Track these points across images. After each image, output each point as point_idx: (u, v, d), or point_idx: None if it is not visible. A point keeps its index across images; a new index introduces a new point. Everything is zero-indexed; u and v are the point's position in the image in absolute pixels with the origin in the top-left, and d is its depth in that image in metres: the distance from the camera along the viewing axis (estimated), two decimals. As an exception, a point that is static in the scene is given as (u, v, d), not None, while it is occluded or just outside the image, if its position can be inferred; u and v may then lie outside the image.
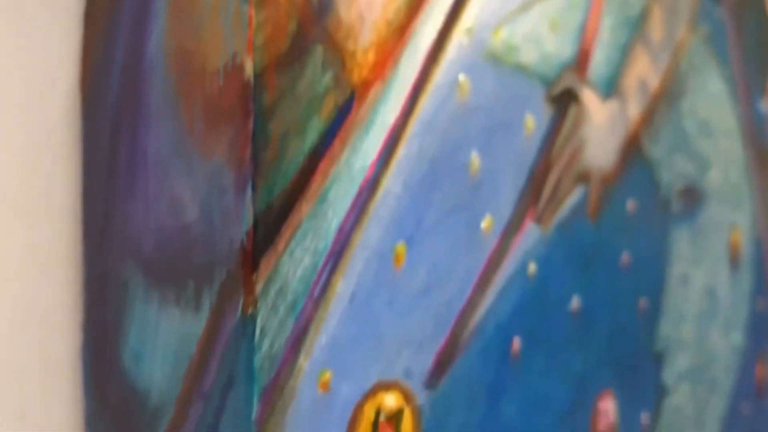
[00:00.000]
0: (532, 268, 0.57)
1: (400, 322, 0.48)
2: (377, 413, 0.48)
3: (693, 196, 0.73)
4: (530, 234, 0.57)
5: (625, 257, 0.65)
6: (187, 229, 0.44)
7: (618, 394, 0.65)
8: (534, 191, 0.57)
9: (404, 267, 0.48)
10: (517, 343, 0.56)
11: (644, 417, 0.68)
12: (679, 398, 0.71)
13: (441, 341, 0.51)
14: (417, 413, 0.50)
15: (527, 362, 0.57)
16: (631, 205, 0.65)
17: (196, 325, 0.44)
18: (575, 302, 0.60)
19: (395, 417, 0.48)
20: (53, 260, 0.49)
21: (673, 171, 0.69)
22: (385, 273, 0.47)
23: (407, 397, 0.49)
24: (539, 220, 0.58)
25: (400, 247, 0.48)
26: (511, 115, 0.54)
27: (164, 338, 0.45)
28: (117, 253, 0.47)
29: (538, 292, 0.57)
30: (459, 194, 0.51)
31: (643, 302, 0.67)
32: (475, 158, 0.52)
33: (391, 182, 0.47)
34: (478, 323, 0.53)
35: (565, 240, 0.60)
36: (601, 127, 0.64)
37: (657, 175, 0.68)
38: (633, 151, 0.65)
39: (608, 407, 0.65)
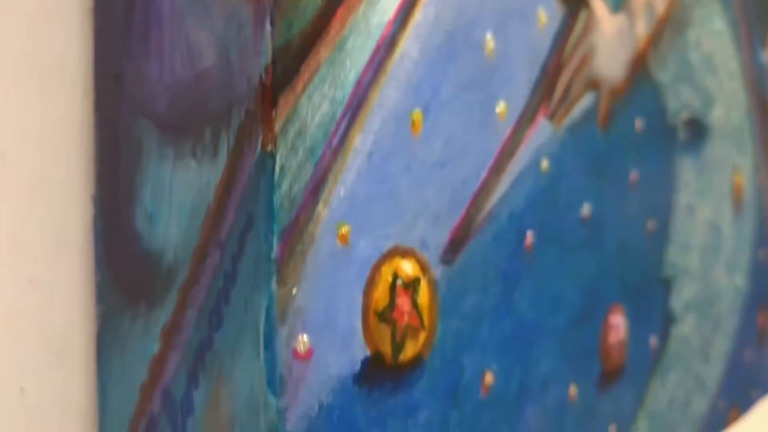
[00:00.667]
0: (545, 164, 0.57)
1: (417, 190, 0.48)
2: (394, 278, 0.47)
3: (697, 128, 0.73)
4: (543, 129, 0.57)
5: (634, 175, 0.65)
6: (203, 75, 0.43)
7: (628, 312, 0.65)
8: (546, 87, 0.57)
9: (421, 135, 0.48)
10: (530, 237, 0.56)
11: (653, 340, 0.67)
12: (685, 328, 0.71)
13: (456, 218, 0.50)
14: (433, 286, 0.49)
15: (540, 258, 0.56)
16: (638, 123, 0.65)
17: (214, 171, 0.43)
18: (586, 209, 0.60)
19: (412, 285, 0.48)
20: (65, 129, 0.49)
21: (679, 100, 0.69)
22: (403, 137, 0.47)
23: (423, 267, 0.48)
24: (551, 117, 0.57)
25: (417, 114, 0.48)
26: (524, 5, 0.54)
27: (180, 193, 0.45)
28: (130, 114, 0.46)
29: (550, 189, 0.57)
30: (474, 72, 0.51)
31: (651, 224, 0.66)
32: (489, 40, 0.52)
33: (408, 45, 0.47)
34: (492, 208, 0.53)
35: (576, 143, 0.59)
36: (610, 39, 0.64)
37: (663, 100, 0.68)
38: (640, 70, 0.66)
39: (618, 322, 0.64)
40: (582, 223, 0.60)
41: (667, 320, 0.69)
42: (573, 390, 0.60)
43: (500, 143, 0.53)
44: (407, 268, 0.47)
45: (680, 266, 0.70)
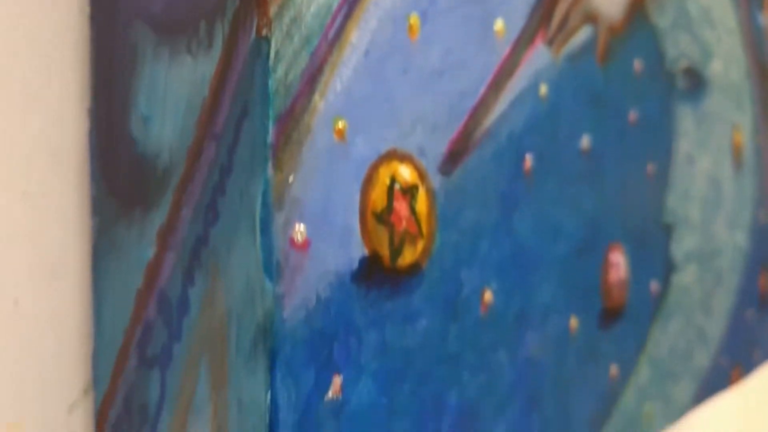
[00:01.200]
0: (544, 90, 0.56)
1: (415, 96, 0.47)
2: (392, 181, 0.46)
3: (696, 78, 0.73)
4: (541, 54, 0.56)
5: (633, 115, 0.64)
6: (200, -31, 0.43)
7: (628, 252, 0.64)
8: (544, 13, 0.56)
9: (419, 40, 0.48)
10: (529, 160, 0.55)
11: (654, 285, 0.67)
12: (686, 278, 0.70)
13: (454, 130, 0.50)
14: (431, 195, 0.49)
15: (539, 184, 0.56)
16: (638, 65, 0.65)
17: (209, 63, 0.43)
18: (585, 141, 0.60)
19: (410, 191, 0.47)
20: (59, 41, 0.48)
21: (677, 47, 0.69)
22: (400, 40, 0.47)
23: (421, 174, 0.48)
24: (550, 43, 0.57)
25: (414, 18, 0.48)
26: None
27: (175, 91, 0.44)
28: (126, 20, 0.46)
29: (549, 116, 0.57)
30: (472, -15, 0.51)
31: (651, 168, 0.66)
32: (486, -46, 0.52)
33: (405, -52, 0.47)
34: (491, 126, 0.53)
35: (575, 74, 0.59)
36: (608, -25, 0.64)
37: (662, 46, 0.68)
38: (639, 11, 0.65)
39: (619, 261, 0.64)
40: (581, 155, 0.60)
41: (668, 267, 0.69)
42: (574, 322, 0.59)
43: (499, 61, 0.53)
44: (405, 173, 0.47)
45: (681, 215, 0.70)
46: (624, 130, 0.64)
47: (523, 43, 0.55)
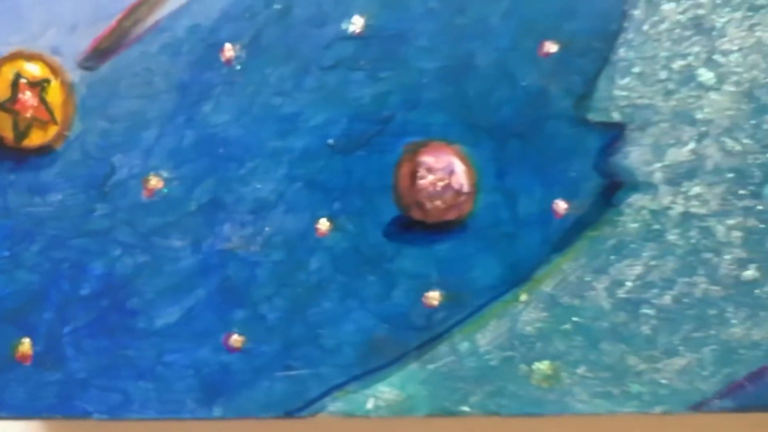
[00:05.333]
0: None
1: (46, 2, 0.55)
2: (17, 76, 0.56)
3: None
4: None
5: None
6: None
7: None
8: None
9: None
10: (230, 50, 0.55)
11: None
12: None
13: (100, 30, 0.55)
14: (68, 87, 0.55)
15: (249, 72, 0.54)
16: None
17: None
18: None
19: (40, 84, 0.55)
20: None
21: None
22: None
23: (54, 70, 0.55)
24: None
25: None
26: None
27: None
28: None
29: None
30: None
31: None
32: None
33: None
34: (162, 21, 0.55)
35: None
36: None
37: None
38: None
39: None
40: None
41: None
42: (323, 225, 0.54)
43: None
44: (34, 69, 0.55)
45: None
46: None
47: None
